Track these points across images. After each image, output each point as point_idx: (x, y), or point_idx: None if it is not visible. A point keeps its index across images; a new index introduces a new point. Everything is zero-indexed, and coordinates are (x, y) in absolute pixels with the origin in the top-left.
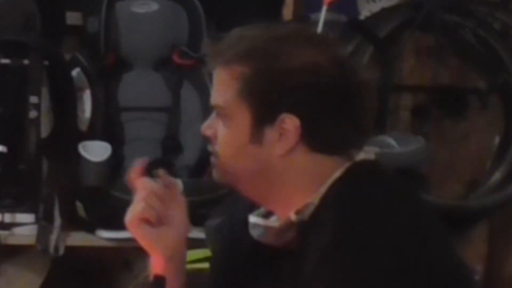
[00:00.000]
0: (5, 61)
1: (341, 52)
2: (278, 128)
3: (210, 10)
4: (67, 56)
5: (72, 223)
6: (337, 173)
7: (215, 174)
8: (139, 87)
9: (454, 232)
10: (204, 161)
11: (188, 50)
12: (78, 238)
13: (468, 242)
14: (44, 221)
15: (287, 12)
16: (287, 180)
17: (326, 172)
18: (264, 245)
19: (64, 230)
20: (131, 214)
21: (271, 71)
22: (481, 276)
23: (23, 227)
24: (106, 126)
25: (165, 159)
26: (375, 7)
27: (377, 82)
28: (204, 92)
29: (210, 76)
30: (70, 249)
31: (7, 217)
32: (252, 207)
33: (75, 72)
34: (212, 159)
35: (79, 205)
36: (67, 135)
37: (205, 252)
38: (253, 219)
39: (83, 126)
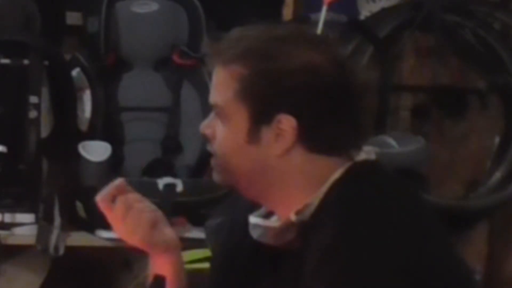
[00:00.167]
0: (5, 61)
1: (340, 53)
2: (275, 128)
3: (210, 10)
4: (67, 56)
5: (72, 223)
6: (337, 174)
7: (215, 174)
8: (139, 87)
9: (454, 232)
10: (204, 161)
11: (188, 50)
12: (78, 238)
13: (468, 242)
14: (44, 221)
15: (287, 12)
16: (285, 181)
17: (325, 173)
18: (264, 246)
19: (64, 230)
20: (145, 225)
21: (269, 72)
22: (481, 276)
23: (23, 227)
24: (106, 126)
25: (165, 159)
26: (375, 7)
27: (377, 82)
28: (204, 92)
29: (210, 75)
30: (70, 249)
31: (7, 217)
32: (252, 207)
33: (75, 72)
34: (212, 160)
35: (79, 205)
36: (67, 135)
37: (205, 252)
38: (253, 219)
39: (83, 126)
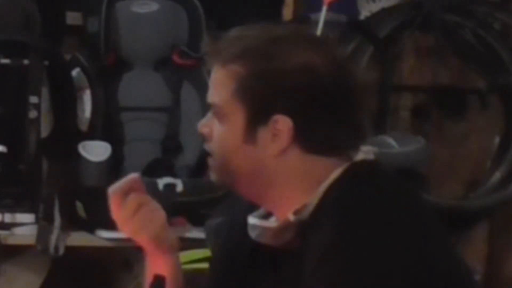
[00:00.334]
0: (5, 61)
1: (338, 54)
2: (272, 128)
3: (210, 10)
4: (67, 56)
5: (72, 223)
6: (336, 174)
7: (212, 173)
8: (139, 87)
9: (454, 232)
10: (204, 161)
11: (188, 50)
12: (78, 238)
13: (468, 242)
14: (44, 221)
15: (287, 12)
16: (282, 181)
17: (322, 173)
18: (263, 246)
19: (64, 230)
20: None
21: (266, 72)
22: (481, 276)
23: (23, 227)
24: (106, 126)
25: (165, 159)
26: (375, 7)
27: (377, 82)
28: (204, 92)
29: (210, 75)
30: (70, 249)
31: (7, 217)
32: (252, 207)
33: (75, 72)
34: (209, 159)
35: (79, 205)
36: (67, 135)
37: (205, 252)
38: (252, 220)
39: (83, 126)
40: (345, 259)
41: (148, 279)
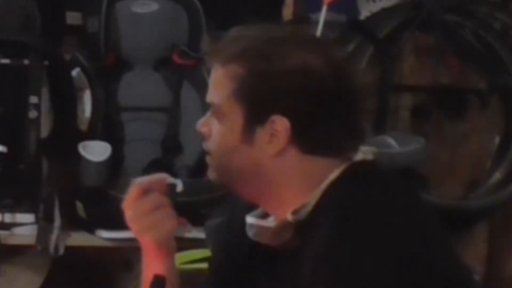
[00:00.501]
0: (5, 61)
1: (336, 55)
2: (269, 129)
3: (210, 10)
4: (67, 56)
5: (72, 223)
6: (334, 174)
7: (210, 173)
8: (139, 87)
9: (454, 232)
10: (204, 161)
11: (188, 50)
12: (78, 238)
13: (468, 242)
14: (44, 221)
15: (287, 12)
16: (280, 181)
17: (321, 173)
18: (262, 246)
19: (64, 230)
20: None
21: (265, 72)
22: (481, 276)
23: (23, 227)
24: (106, 126)
25: (165, 159)
26: (375, 7)
27: (377, 82)
28: (204, 92)
29: (210, 74)
30: (70, 249)
31: (7, 217)
32: (250, 207)
33: (75, 72)
34: (207, 158)
35: (79, 205)
36: (67, 135)
37: (204, 252)
38: (249, 219)
39: (83, 126)
40: (343, 259)
41: (145, 278)
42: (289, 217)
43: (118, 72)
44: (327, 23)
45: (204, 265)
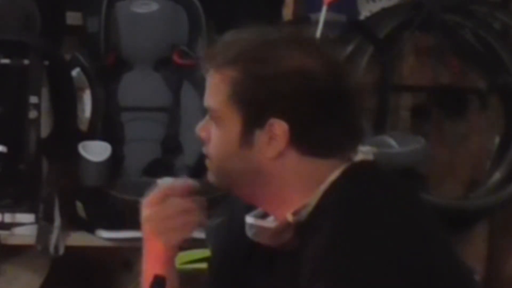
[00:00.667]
0: (5, 61)
1: (333, 57)
2: (268, 132)
3: (210, 10)
4: (67, 56)
5: (72, 223)
6: (334, 175)
7: (210, 176)
8: (139, 87)
9: (454, 232)
10: (204, 162)
11: (188, 50)
12: (78, 238)
13: (468, 242)
14: (44, 221)
15: (287, 12)
16: (280, 183)
17: (320, 174)
18: (262, 246)
19: (64, 230)
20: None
21: (261, 76)
22: (481, 276)
23: (23, 227)
24: (106, 126)
25: (165, 159)
26: (375, 7)
27: (377, 82)
28: (204, 92)
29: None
30: (70, 249)
31: (7, 217)
32: (250, 207)
33: (75, 72)
34: (207, 162)
35: (79, 205)
36: (67, 135)
37: (204, 252)
38: (249, 219)
39: (83, 126)
40: (343, 259)
41: (145, 278)
42: (290, 217)
43: (118, 72)
44: (327, 23)
45: (204, 265)
